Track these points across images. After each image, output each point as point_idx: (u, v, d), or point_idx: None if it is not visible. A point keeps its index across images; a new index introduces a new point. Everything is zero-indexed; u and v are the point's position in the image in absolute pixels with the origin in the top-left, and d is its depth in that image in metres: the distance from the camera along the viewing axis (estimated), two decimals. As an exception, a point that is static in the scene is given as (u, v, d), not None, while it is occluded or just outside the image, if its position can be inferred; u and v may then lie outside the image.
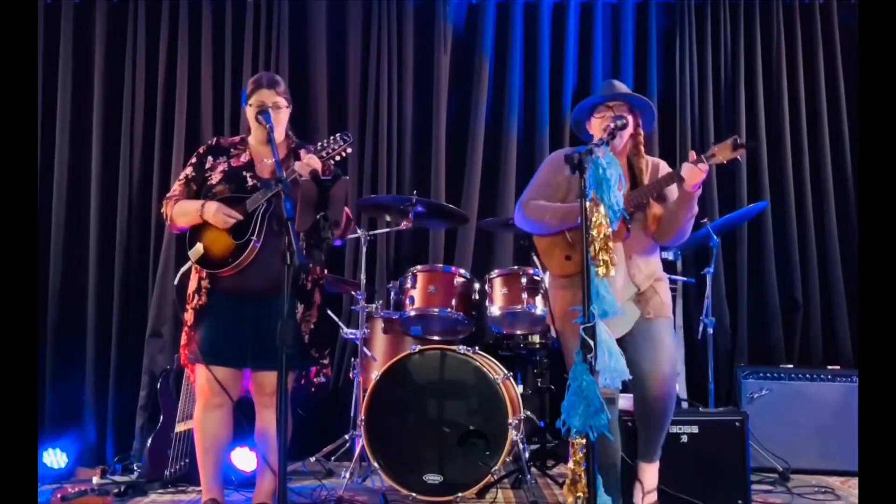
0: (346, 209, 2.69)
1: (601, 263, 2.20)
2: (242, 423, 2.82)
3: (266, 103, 2.77)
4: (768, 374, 4.03)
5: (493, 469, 3.23)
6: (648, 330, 2.69)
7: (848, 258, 4.59)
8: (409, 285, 3.63)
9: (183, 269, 2.84)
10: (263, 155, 2.83)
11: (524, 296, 3.57)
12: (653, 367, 2.65)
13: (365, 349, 3.78)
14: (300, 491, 3.43)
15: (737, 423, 3.13)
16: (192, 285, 2.79)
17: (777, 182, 4.66)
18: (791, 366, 4.19)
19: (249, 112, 2.82)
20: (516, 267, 3.76)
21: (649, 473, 2.76)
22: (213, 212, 2.68)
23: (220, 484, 2.81)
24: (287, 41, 4.65)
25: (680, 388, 4.19)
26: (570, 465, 2.16)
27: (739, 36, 4.76)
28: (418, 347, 3.43)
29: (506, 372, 3.50)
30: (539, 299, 3.59)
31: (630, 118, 2.74)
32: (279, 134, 2.80)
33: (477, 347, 3.50)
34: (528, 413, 3.80)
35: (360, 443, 3.44)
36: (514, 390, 3.48)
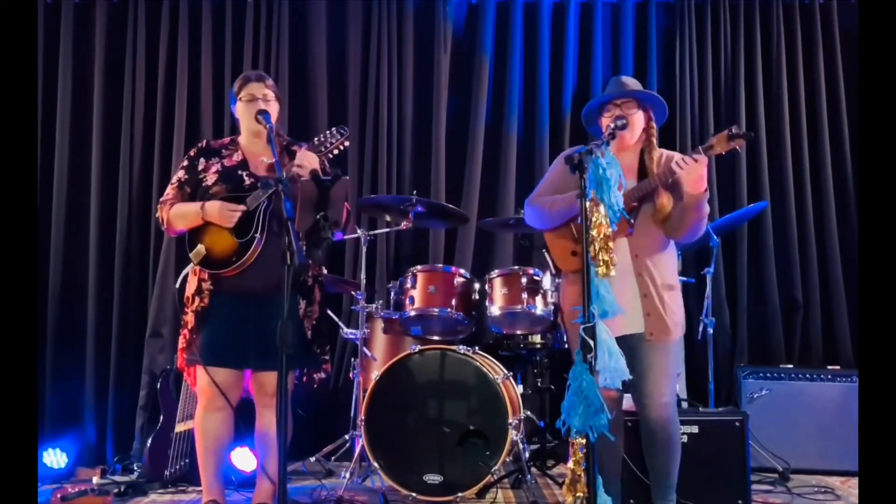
0: (346, 204, 2.69)
1: (601, 263, 2.20)
2: (240, 424, 2.82)
3: (256, 95, 2.78)
4: (768, 374, 4.03)
5: (493, 469, 3.23)
6: (647, 354, 2.63)
7: (848, 258, 4.59)
8: (409, 285, 3.63)
9: (185, 271, 2.83)
10: (256, 153, 2.82)
11: (524, 296, 3.57)
12: (651, 395, 2.63)
13: (365, 349, 3.78)
14: (300, 491, 3.43)
15: (737, 423, 3.13)
16: (192, 287, 2.77)
17: (777, 182, 4.66)
18: (791, 366, 4.19)
19: (240, 108, 2.82)
20: (516, 267, 3.75)
21: None
22: (217, 210, 2.68)
23: (221, 485, 2.81)
24: (287, 41, 4.65)
25: (680, 388, 4.19)
26: (570, 465, 2.16)
27: (739, 36, 4.76)
28: (418, 347, 3.43)
29: (506, 372, 3.50)
30: (539, 299, 3.59)
31: (640, 113, 2.72)
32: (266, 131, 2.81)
33: (477, 347, 3.50)
34: (528, 413, 3.80)
35: (360, 443, 3.44)
36: (514, 390, 3.48)
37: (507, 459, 3.35)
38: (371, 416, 3.34)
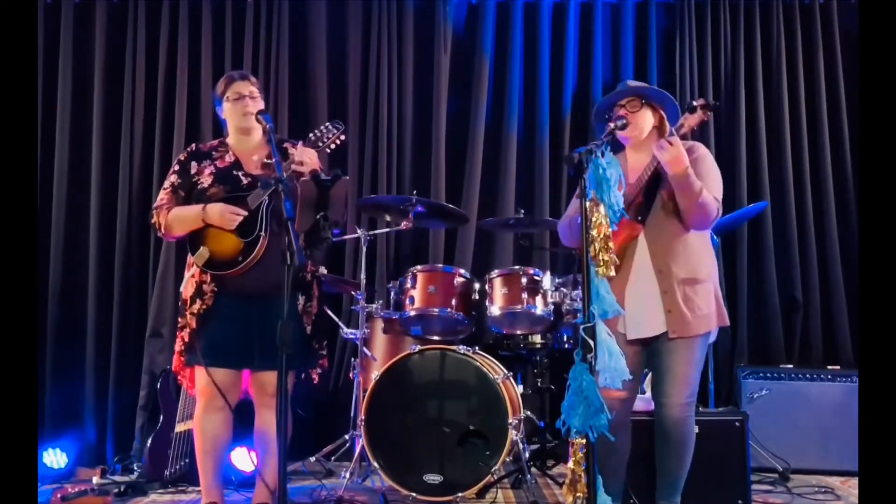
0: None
1: (601, 263, 2.19)
2: (238, 424, 2.81)
3: (243, 93, 2.77)
4: (768, 374, 4.03)
5: (493, 469, 3.23)
6: (669, 353, 2.62)
7: (848, 258, 4.59)
8: (409, 285, 3.63)
9: (189, 274, 2.82)
10: (247, 152, 2.81)
11: (524, 296, 3.57)
12: (669, 394, 2.63)
13: (365, 349, 3.78)
14: (300, 491, 3.43)
15: (737, 423, 3.13)
16: (190, 290, 2.76)
17: (777, 182, 4.66)
18: (791, 366, 4.19)
19: (227, 108, 2.81)
20: (516, 267, 3.76)
21: None
22: (219, 213, 2.67)
23: (220, 486, 2.81)
24: (287, 41, 4.65)
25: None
26: (570, 465, 2.16)
27: (739, 36, 4.76)
28: (418, 347, 3.43)
29: (506, 372, 3.50)
30: (539, 299, 3.59)
31: (647, 112, 2.70)
32: (257, 132, 2.81)
33: (477, 347, 3.50)
34: (528, 413, 3.80)
35: (360, 443, 3.44)
36: (514, 390, 3.48)
37: (507, 459, 3.35)
38: (371, 416, 3.34)
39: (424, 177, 4.66)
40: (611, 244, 2.21)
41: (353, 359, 3.95)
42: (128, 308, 4.47)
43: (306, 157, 2.64)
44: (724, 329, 4.46)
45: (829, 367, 4.06)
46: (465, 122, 4.73)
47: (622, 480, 2.75)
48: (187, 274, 2.80)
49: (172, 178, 2.83)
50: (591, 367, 2.11)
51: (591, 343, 2.12)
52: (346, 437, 3.87)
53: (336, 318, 4.00)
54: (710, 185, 2.62)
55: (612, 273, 2.20)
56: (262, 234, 2.65)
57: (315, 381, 2.87)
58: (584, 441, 2.13)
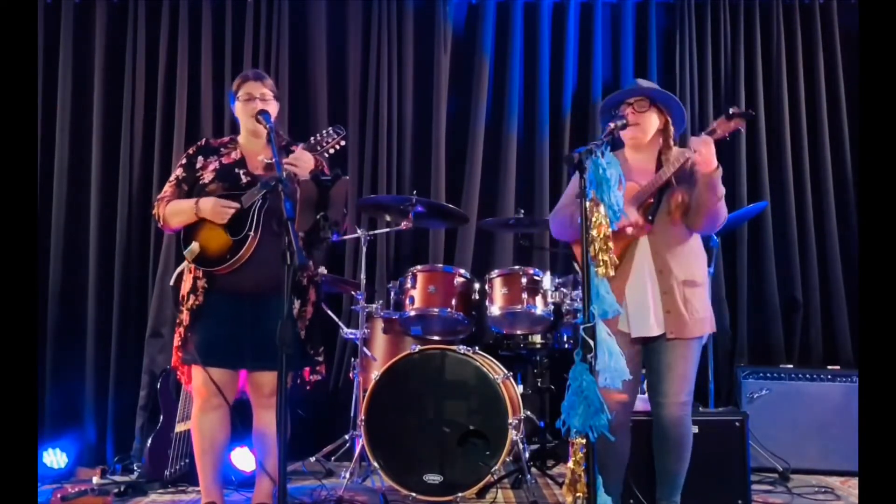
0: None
1: (601, 263, 2.19)
2: (238, 424, 2.81)
3: (254, 94, 2.79)
4: (768, 374, 4.03)
5: (493, 469, 3.23)
6: (667, 354, 2.63)
7: (848, 258, 4.59)
8: (409, 285, 3.63)
9: (179, 269, 2.83)
10: (255, 152, 2.82)
11: (524, 296, 3.57)
12: (667, 394, 2.64)
13: (365, 349, 3.78)
14: (300, 491, 3.43)
15: (737, 423, 3.13)
16: (187, 286, 2.77)
17: (777, 182, 4.66)
18: (791, 366, 4.19)
19: (239, 108, 2.83)
20: (516, 267, 3.75)
21: None
22: (210, 206, 2.67)
23: (220, 486, 2.81)
24: (287, 41, 4.65)
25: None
26: (570, 464, 2.16)
27: (739, 36, 4.76)
28: (418, 347, 3.43)
29: (506, 372, 3.50)
30: (539, 299, 3.59)
31: (654, 114, 2.70)
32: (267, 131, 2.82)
33: (477, 347, 3.50)
34: (528, 413, 3.80)
35: (360, 443, 3.44)
36: (514, 390, 3.48)
37: (507, 459, 3.34)
38: (371, 416, 3.34)
39: (424, 177, 4.66)
40: (611, 244, 2.21)
41: (353, 359, 3.95)
42: (128, 308, 4.47)
43: (301, 162, 2.65)
44: (724, 329, 4.51)
45: (829, 367, 4.07)
46: (465, 122, 4.73)
47: (621, 482, 2.75)
48: (182, 267, 2.82)
49: (178, 171, 2.86)
50: (591, 367, 2.11)
51: (591, 343, 2.12)
52: (346, 437, 3.87)
53: (336, 318, 4.00)
54: None
55: (613, 273, 2.20)
56: (252, 233, 2.65)
57: (309, 388, 2.87)
58: (584, 441, 2.12)
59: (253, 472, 3.32)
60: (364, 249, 3.92)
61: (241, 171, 2.78)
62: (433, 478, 3.27)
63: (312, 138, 2.74)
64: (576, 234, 2.71)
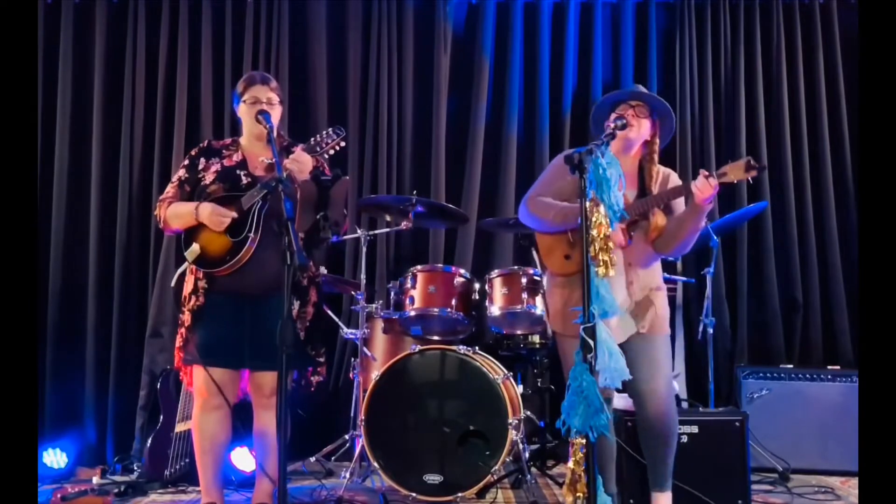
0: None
1: (601, 263, 2.20)
2: (238, 424, 2.81)
3: (260, 98, 2.78)
4: (768, 374, 4.03)
5: (493, 469, 3.24)
6: (644, 347, 2.66)
7: (848, 258, 4.59)
8: (409, 285, 3.63)
9: (180, 270, 2.82)
10: (256, 153, 2.82)
11: (524, 296, 3.57)
12: (650, 387, 2.65)
13: (365, 349, 3.78)
14: (300, 491, 3.43)
15: (737, 423, 3.12)
16: (189, 287, 2.78)
17: (777, 182, 4.66)
18: (791, 366, 4.19)
19: (243, 110, 2.82)
20: (516, 267, 3.75)
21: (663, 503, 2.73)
22: (208, 214, 2.67)
23: (220, 486, 2.81)
24: (287, 41, 4.65)
25: (680, 388, 4.19)
26: (570, 465, 2.16)
27: (739, 36, 4.76)
28: (418, 347, 3.43)
29: (506, 372, 3.50)
30: (539, 299, 3.59)
31: (645, 123, 2.71)
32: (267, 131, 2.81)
33: (477, 347, 3.50)
34: (528, 413, 3.80)
35: (360, 443, 3.44)
36: (514, 390, 3.48)
37: (507, 459, 3.35)
38: (371, 416, 3.34)
39: (424, 177, 4.66)
40: (611, 244, 2.22)
41: (353, 359, 3.95)
42: (128, 308, 4.46)
43: (297, 165, 2.65)
44: (724, 329, 4.51)
45: (829, 367, 4.07)
46: (465, 121, 4.73)
47: (613, 481, 2.76)
48: (183, 268, 2.82)
49: (181, 172, 2.86)
50: (591, 367, 2.12)
51: (591, 343, 2.12)
52: (346, 437, 3.87)
53: (336, 318, 4.00)
54: None
55: (613, 273, 2.21)
56: (252, 234, 2.65)
57: (312, 389, 2.87)
58: (584, 441, 2.13)
59: (253, 473, 3.32)
60: (364, 249, 3.92)
61: (242, 173, 2.78)
62: (433, 478, 3.27)
63: (312, 139, 2.74)
64: (550, 230, 2.75)
